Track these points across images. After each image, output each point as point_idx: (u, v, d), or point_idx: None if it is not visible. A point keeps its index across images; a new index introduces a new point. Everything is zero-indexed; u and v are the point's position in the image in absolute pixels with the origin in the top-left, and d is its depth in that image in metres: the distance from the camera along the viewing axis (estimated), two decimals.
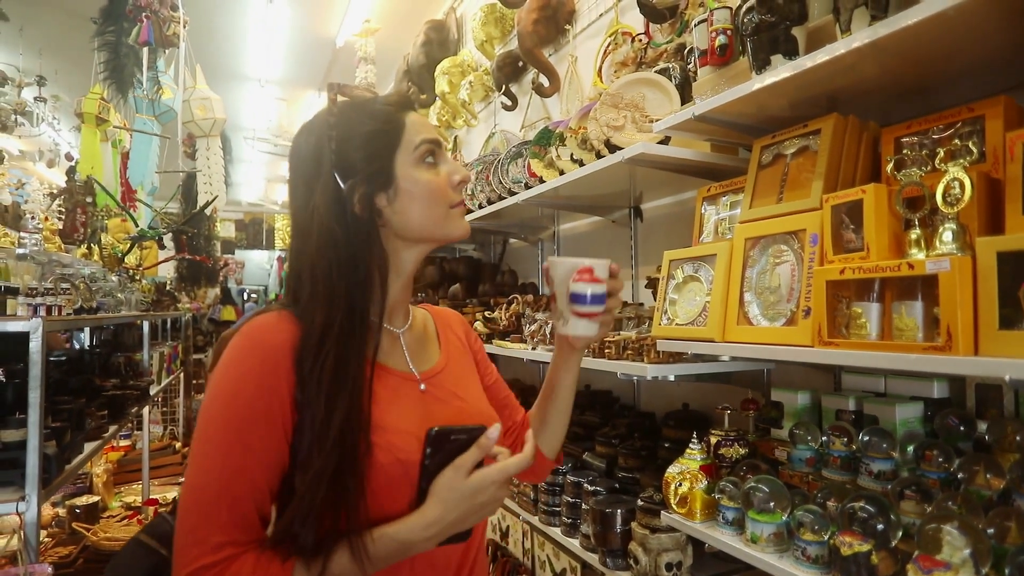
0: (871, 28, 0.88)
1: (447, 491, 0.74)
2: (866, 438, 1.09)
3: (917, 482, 0.98)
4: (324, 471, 0.70)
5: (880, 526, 0.94)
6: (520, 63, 2.81)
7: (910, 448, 1.07)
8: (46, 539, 3.06)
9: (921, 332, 0.84)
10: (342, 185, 0.78)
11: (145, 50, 3.44)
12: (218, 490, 0.69)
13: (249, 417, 0.71)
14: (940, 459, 1.00)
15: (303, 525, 0.69)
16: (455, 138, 3.76)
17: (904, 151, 0.91)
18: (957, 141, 0.87)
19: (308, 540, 0.69)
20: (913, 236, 0.88)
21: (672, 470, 1.29)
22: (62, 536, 3.18)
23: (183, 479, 0.74)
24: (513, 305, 2.24)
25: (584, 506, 1.66)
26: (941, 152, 0.87)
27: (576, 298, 0.87)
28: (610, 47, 2.19)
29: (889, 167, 0.93)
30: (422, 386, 0.85)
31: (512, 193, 2.08)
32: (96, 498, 3.55)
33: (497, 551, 2.31)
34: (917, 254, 0.86)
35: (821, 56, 0.96)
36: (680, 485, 1.26)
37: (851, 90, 1.13)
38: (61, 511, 3.38)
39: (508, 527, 2.25)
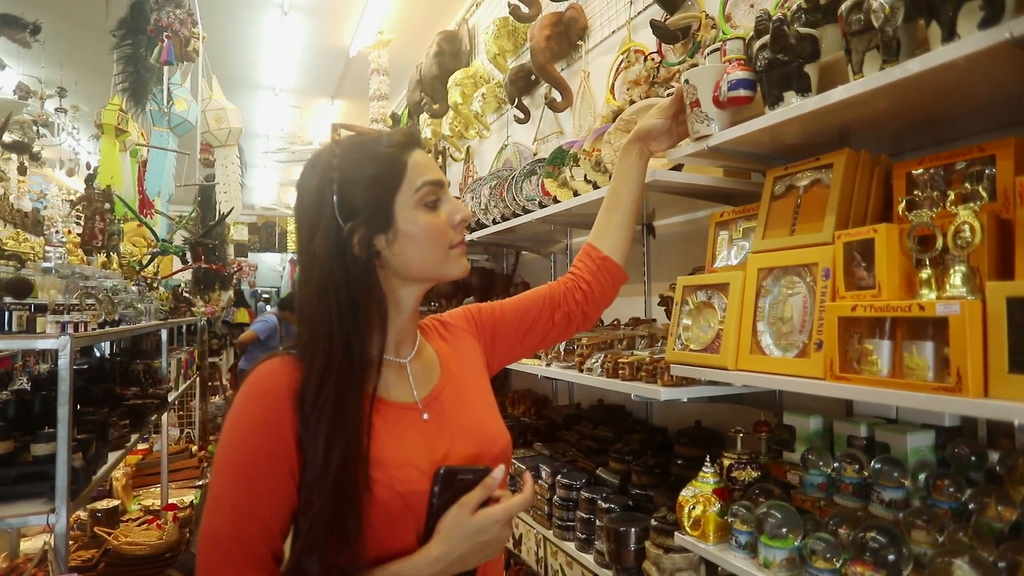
0: (882, 72, 0.90)
1: (452, 528, 0.77)
2: (877, 466, 1.11)
3: (928, 512, 1.00)
4: (324, 509, 0.73)
5: (891, 557, 0.95)
6: (532, 77, 2.84)
7: (921, 477, 1.08)
8: (69, 543, 3.12)
9: (932, 372, 0.86)
10: (343, 226, 0.80)
11: (165, 67, 3.51)
12: (231, 533, 0.74)
13: (255, 462, 0.75)
14: (951, 489, 1.02)
15: (309, 561, 0.73)
16: (468, 148, 3.80)
17: (915, 191, 0.93)
18: (967, 185, 0.88)
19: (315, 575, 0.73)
20: (924, 276, 0.90)
21: (686, 493, 1.31)
22: (84, 539, 3.25)
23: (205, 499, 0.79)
24: None
25: (598, 523, 1.69)
26: (952, 195, 0.89)
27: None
28: (622, 65, 2.21)
29: (901, 207, 0.95)
30: (425, 416, 0.86)
31: (526, 211, 2.11)
32: (116, 502, 3.62)
33: (510, 558, 2.33)
34: (928, 294, 0.88)
35: (833, 96, 0.98)
36: (694, 508, 1.28)
37: (863, 121, 1.14)
38: (83, 514, 3.44)
39: (521, 535, 2.28)
